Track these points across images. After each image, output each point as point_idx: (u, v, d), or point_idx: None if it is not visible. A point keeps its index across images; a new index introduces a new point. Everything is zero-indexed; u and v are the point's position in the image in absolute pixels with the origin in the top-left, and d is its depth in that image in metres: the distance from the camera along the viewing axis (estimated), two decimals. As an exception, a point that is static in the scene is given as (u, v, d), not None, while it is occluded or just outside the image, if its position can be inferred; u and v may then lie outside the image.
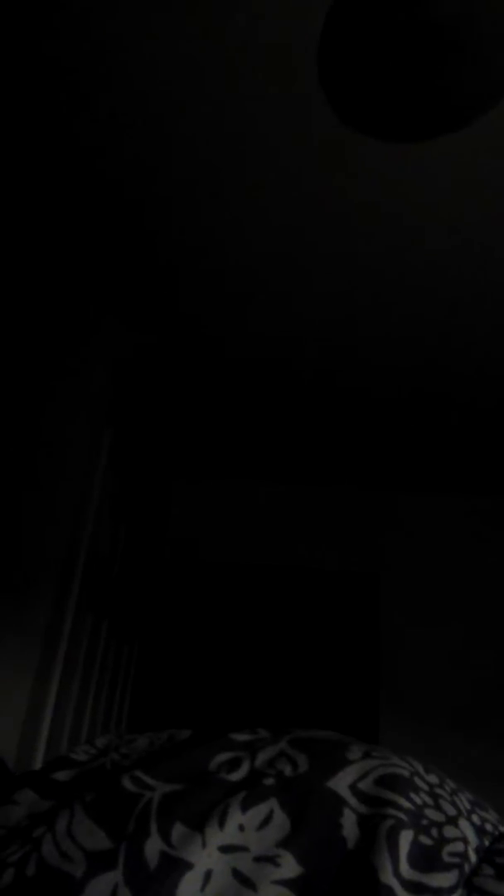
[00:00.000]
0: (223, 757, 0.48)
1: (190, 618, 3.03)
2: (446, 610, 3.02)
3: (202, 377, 2.62)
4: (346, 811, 0.43)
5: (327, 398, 2.67)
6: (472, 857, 0.42)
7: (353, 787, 0.45)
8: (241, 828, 0.42)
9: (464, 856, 0.41)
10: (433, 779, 0.48)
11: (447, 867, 0.40)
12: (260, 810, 0.43)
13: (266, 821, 0.42)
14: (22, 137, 1.74)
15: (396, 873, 0.39)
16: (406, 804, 0.43)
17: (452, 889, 0.39)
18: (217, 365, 2.55)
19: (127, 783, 0.45)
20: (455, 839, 0.42)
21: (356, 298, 2.17)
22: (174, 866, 0.39)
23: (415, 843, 0.41)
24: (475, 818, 0.46)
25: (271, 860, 0.40)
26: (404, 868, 0.39)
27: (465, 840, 0.42)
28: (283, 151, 1.75)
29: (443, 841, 0.42)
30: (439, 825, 0.43)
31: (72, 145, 1.75)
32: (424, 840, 0.41)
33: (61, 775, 0.49)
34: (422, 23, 1.43)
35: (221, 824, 0.42)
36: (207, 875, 0.39)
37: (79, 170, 1.81)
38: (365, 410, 2.71)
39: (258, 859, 0.40)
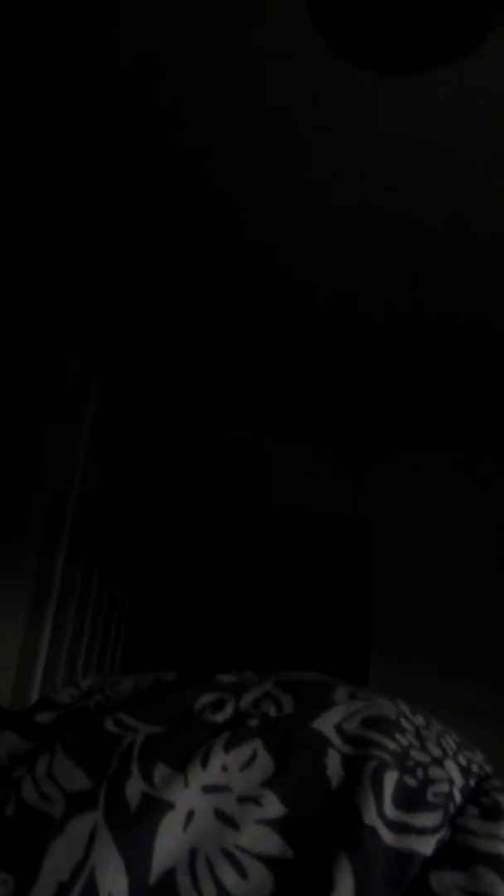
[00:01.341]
0: (208, 698, 0.47)
1: (181, 563, 3.05)
2: (435, 557, 3.05)
3: (191, 325, 2.58)
4: (331, 752, 0.42)
5: (316, 346, 2.63)
6: (458, 798, 0.41)
7: (338, 728, 0.44)
8: (225, 768, 0.41)
9: (448, 796, 0.41)
10: (419, 720, 0.48)
11: (432, 807, 0.40)
12: (243, 751, 0.42)
13: (250, 761, 0.42)
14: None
15: (380, 814, 0.38)
16: (391, 745, 0.43)
17: (437, 828, 0.39)
18: (207, 314, 2.51)
19: (109, 725, 0.44)
20: (440, 780, 0.42)
21: (357, 241, 2.12)
22: (155, 806, 0.38)
23: (399, 784, 0.40)
24: (461, 759, 0.45)
25: (254, 800, 0.39)
26: (388, 808, 0.39)
27: (450, 780, 0.42)
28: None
29: (428, 781, 0.41)
30: (424, 766, 0.43)
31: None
32: (409, 781, 0.41)
33: (43, 717, 0.48)
34: None
35: (204, 765, 0.41)
36: (189, 815, 0.39)
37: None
38: (357, 360, 2.69)
39: (241, 799, 0.40)
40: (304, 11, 1.45)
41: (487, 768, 0.47)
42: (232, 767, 0.41)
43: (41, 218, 2.08)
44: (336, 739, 0.43)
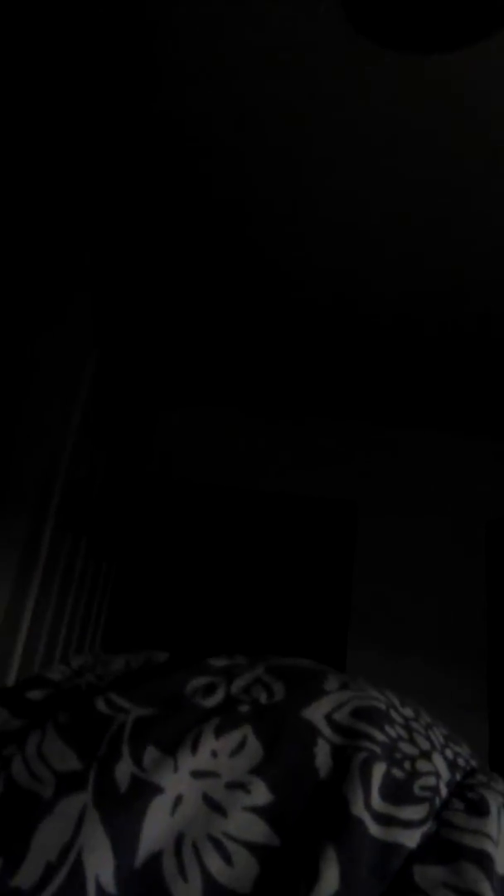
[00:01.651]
0: (199, 682, 0.47)
1: (168, 538, 3.06)
2: (422, 539, 3.07)
3: (187, 303, 2.56)
4: (320, 741, 0.43)
5: (310, 327, 2.62)
6: (444, 791, 0.42)
7: (328, 718, 0.44)
8: (214, 754, 0.41)
9: (435, 789, 0.41)
10: (409, 712, 0.48)
11: (418, 800, 0.40)
12: (233, 737, 0.42)
13: (239, 748, 0.42)
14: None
15: (368, 805, 0.39)
16: (380, 737, 0.43)
17: (422, 822, 0.39)
18: (202, 292, 2.48)
19: (101, 705, 0.44)
20: (427, 773, 0.42)
21: (358, 223, 2.10)
22: (144, 789, 0.38)
23: (387, 776, 0.41)
24: (448, 752, 0.46)
25: (243, 787, 0.40)
26: (376, 800, 0.39)
27: (437, 774, 0.43)
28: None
29: (415, 774, 0.42)
30: (412, 758, 0.43)
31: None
32: (397, 773, 0.41)
33: (35, 694, 0.48)
34: None
35: (194, 750, 0.41)
36: (178, 800, 0.39)
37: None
38: (349, 342, 2.68)
39: (230, 786, 0.40)
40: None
41: (473, 762, 0.47)
42: (221, 753, 0.41)
43: (40, 198, 2.05)
44: (326, 729, 0.44)
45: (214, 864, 0.36)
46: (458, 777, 0.44)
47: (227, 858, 0.37)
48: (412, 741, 0.44)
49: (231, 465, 3.16)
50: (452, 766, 0.45)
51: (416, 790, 0.41)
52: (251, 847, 0.37)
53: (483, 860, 0.37)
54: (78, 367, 2.05)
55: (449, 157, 1.83)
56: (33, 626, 1.83)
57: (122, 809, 0.37)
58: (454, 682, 2.78)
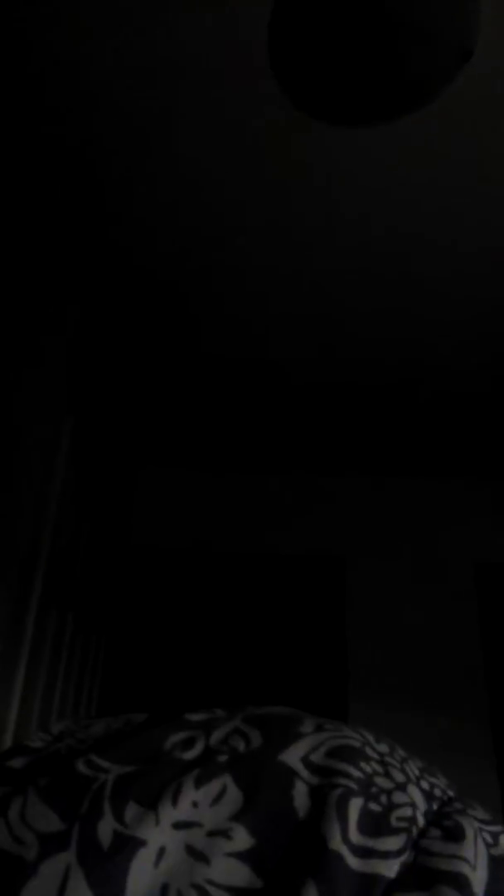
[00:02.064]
0: (178, 737, 0.48)
1: (157, 606, 3.03)
2: (412, 591, 3.07)
3: (165, 368, 2.61)
4: (298, 783, 0.44)
5: (287, 388, 2.68)
6: (420, 821, 0.43)
7: (304, 760, 0.45)
8: (195, 804, 0.42)
9: (412, 820, 0.42)
10: (383, 748, 0.49)
11: (395, 831, 0.41)
12: (213, 786, 0.43)
13: (219, 796, 0.43)
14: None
15: (345, 839, 0.40)
16: (356, 773, 0.44)
17: (400, 851, 0.40)
18: (178, 356, 2.54)
19: (81, 767, 0.45)
20: (403, 804, 0.43)
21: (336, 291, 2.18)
22: (127, 844, 0.39)
23: (364, 810, 0.42)
24: (424, 784, 0.47)
25: (224, 833, 0.40)
26: (353, 834, 0.40)
27: (413, 805, 0.44)
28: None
29: (392, 807, 0.43)
30: (388, 792, 0.44)
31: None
32: (373, 807, 0.42)
33: (16, 763, 0.49)
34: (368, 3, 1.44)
35: (175, 802, 0.42)
36: (161, 851, 0.39)
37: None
38: (327, 397, 2.73)
39: (211, 833, 0.41)
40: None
41: (450, 792, 0.48)
42: (202, 803, 0.42)
43: (14, 259, 2.11)
44: (303, 771, 0.45)
45: None
46: (434, 807, 0.45)
47: None
48: (388, 775, 0.46)
49: (214, 527, 3.17)
50: (429, 796, 0.46)
51: (393, 822, 0.42)
52: (234, 891, 0.38)
53: (459, 882, 0.38)
54: (55, 435, 2.07)
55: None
56: (23, 707, 1.80)
57: (107, 864, 0.38)
58: (457, 728, 2.75)
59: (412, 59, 1.58)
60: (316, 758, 0.45)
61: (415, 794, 0.45)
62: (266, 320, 2.33)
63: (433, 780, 0.48)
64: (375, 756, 0.47)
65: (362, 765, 0.45)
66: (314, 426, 2.93)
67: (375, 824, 0.41)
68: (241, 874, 0.39)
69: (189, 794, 0.42)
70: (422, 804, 0.44)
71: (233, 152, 1.79)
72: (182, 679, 2.86)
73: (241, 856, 0.39)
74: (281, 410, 2.83)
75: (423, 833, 0.42)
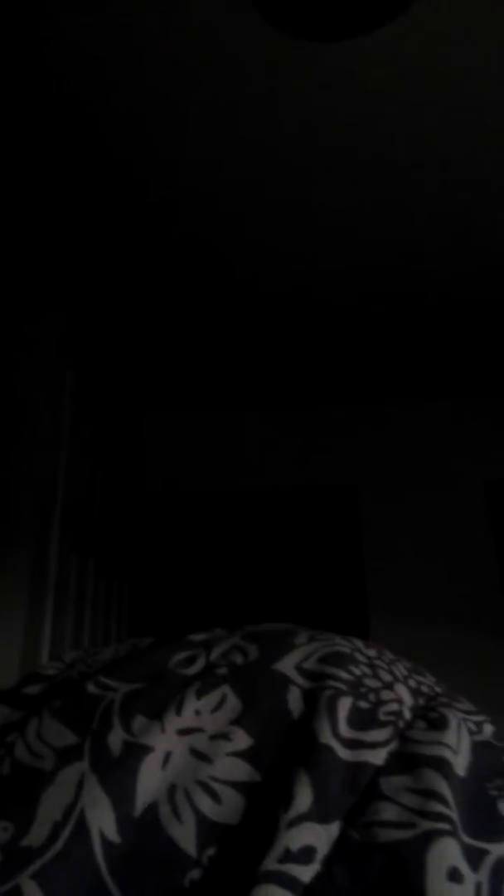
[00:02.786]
0: (180, 655, 0.52)
1: (175, 548, 3.10)
2: (424, 508, 3.11)
3: (161, 302, 2.60)
4: (292, 688, 0.47)
5: (289, 310, 2.65)
6: (407, 715, 0.46)
7: (298, 667, 0.49)
8: (197, 712, 0.46)
9: (398, 714, 0.46)
10: (372, 652, 0.53)
11: (382, 724, 0.45)
12: (214, 696, 0.47)
13: (219, 704, 0.46)
14: None
15: (335, 734, 0.43)
16: (346, 676, 0.48)
17: (387, 742, 0.44)
18: (175, 286, 2.52)
19: (91, 687, 0.48)
20: (390, 700, 0.47)
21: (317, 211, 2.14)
22: (136, 750, 0.43)
23: (353, 708, 0.45)
24: (412, 682, 0.50)
25: (225, 736, 0.44)
26: (343, 729, 0.44)
27: (399, 701, 0.47)
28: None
29: (379, 703, 0.46)
30: (376, 690, 0.47)
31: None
32: (362, 704, 0.46)
33: (32, 689, 0.53)
34: None
35: (179, 711, 0.45)
36: (167, 756, 0.43)
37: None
38: (330, 322, 2.71)
39: (213, 737, 0.44)
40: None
41: (437, 689, 0.51)
42: (204, 711, 0.46)
43: (12, 214, 2.09)
44: (297, 677, 0.48)
45: (205, 803, 0.41)
46: (421, 702, 0.49)
47: (215, 797, 0.41)
48: (376, 676, 0.49)
49: (226, 464, 3.21)
50: (416, 693, 0.49)
51: (381, 716, 0.45)
52: (236, 785, 0.42)
53: (441, 765, 0.42)
54: (58, 386, 2.09)
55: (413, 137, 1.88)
56: (53, 654, 1.87)
57: (118, 770, 0.42)
58: (477, 645, 2.82)
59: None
60: (308, 665, 0.49)
61: (401, 691, 0.48)
62: (263, 235, 2.29)
63: (420, 678, 0.52)
64: (364, 660, 0.51)
65: (351, 668, 0.49)
66: (318, 355, 2.93)
67: (364, 719, 0.45)
68: (241, 770, 0.42)
69: (192, 704, 0.46)
70: (408, 700, 0.48)
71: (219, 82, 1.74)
72: (205, 617, 2.94)
73: (241, 754, 0.43)
74: (284, 342, 2.82)
75: (409, 725, 0.46)
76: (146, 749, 0.43)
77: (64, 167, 1.93)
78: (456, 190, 2.05)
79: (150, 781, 0.42)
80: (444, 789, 0.40)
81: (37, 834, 0.39)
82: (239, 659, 0.50)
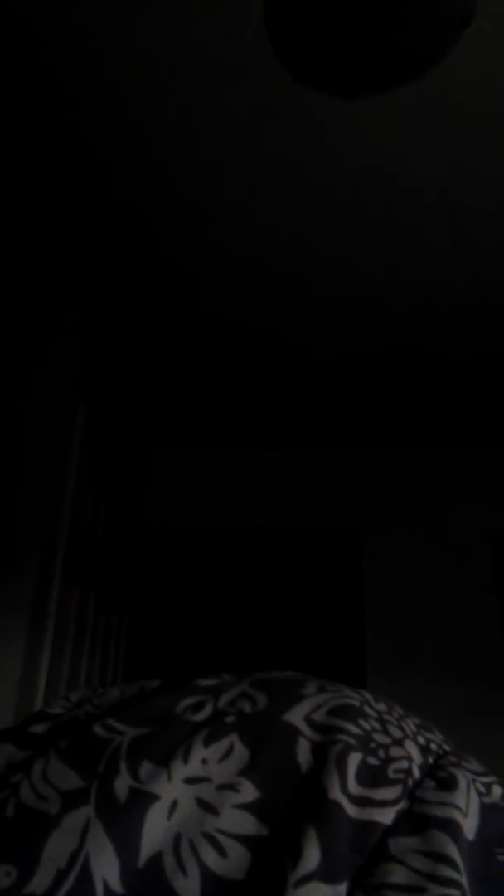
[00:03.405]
0: (188, 701, 0.52)
1: (177, 584, 3.08)
2: (427, 558, 3.09)
3: (172, 346, 2.63)
4: (301, 740, 0.47)
5: (297, 358, 2.68)
6: (416, 773, 0.46)
7: (307, 719, 0.48)
8: (204, 761, 0.45)
9: (408, 772, 0.45)
10: (382, 707, 0.52)
11: (392, 782, 0.44)
12: (221, 745, 0.46)
13: (227, 754, 0.46)
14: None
15: (344, 790, 0.43)
16: (355, 730, 0.47)
17: (396, 801, 0.43)
18: (187, 334, 2.56)
19: (98, 729, 0.48)
20: (400, 758, 0.46)
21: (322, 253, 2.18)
22: (142, 798, 0.42)
23: (362, 764, 0.45)
24: (420, 739, 0.50)
25: (232, 787, 0.44)
26: (352, 785, 0.43)
27: (409, 758, 0.46)
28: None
29: (389, 760, 0.46)
30: (386, 746, 0.47)
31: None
32: (372, 760, 0.45)
33: (38, 728, 0.52)
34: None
35: (186, 759, 0.45)
36: (173, 804, 0.43)
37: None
38: (339, 369, 2.74)
39: (220, 787, 0.44)
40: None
41: (446, 747, 0.51)
42: (211, 760, 0.45)
43: (23, 254, 2.13)
44: (306, 729, 0.48)
45: (210, 857, 0.40)
46: (430, 760, 0.48)
47: (221, 851, 0.41)
48: (385, 731, 0.49)
49: (230, 504, 3.20)
50: (425, 750, 0.49)
51: (390, 773, 0.45)
52: (242, 839, 0.41)
53: (450, 827, 0.41)
54: (69, 422, 2.11)
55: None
56: (50, 685, 1.85)
57: (123, 817, 0.41)
58: (477, 696, 2.78)
59: (411, 27, 1.57)
60: (318, 717, 0.48)
61: (411, 748, 0.48)
62: (273, 289, 2.33)
63: (429, 735, 0.51)
64: (374, 714, 0.50)
65: (361, 722, 0.48)
66: (325, 399, 2.95)
67: (373, 776, 0.44)
68: (248, 823, 0.42)
69: (199, 752, 0.46)
70: (418, 757, 0.47)
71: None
72: (202, 655, 2.91)
73: (248, 807, 0.43)
74: (290, 384, 2.85)
75: (418, 784, 0.45)
76: (152, 797, 0.42)
77: (72, 192, 1.97)
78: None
79: (155, 831, 0.41)
80: (454, 853, 0.39)
81: (40, 881, 0.38)
82: (247, 707, 0.50)
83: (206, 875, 0.39)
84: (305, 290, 2.31)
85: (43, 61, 1.62)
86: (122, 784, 0.43)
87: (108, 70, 1.64)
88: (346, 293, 2.31)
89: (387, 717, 0.51)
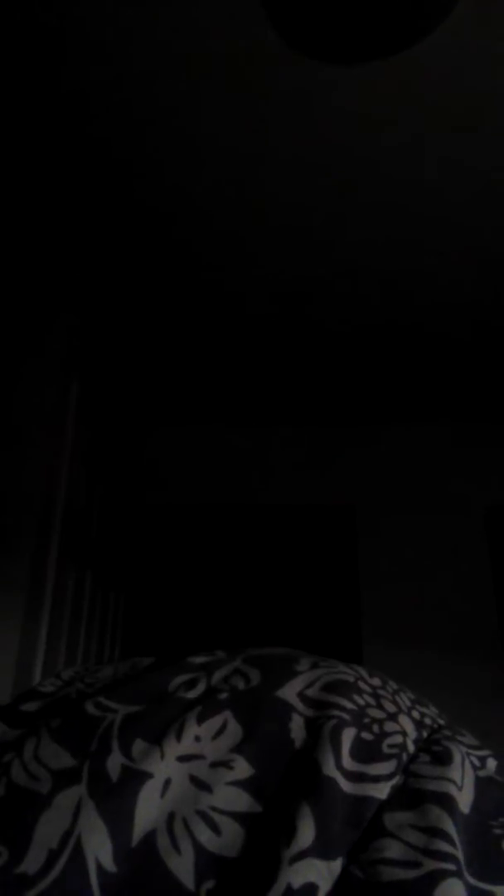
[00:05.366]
0: (181, 678, 0.51)
1: (173, 562, 3.08)
2: (421, 532, 3.09)
3: (167, 322, 2.60)
4: (294, 716, 0.46)
5: (293, 333, 2.66)
6: (411, 748, 0.45)
7: (300, 695, 0.48)
8: (198, 738, 0.45)
9: (402, 746, 0.45)
10: (376, 682, 0.52)
11: (386, 757, 0.44)
12: (214, 721, 0.46)
13: (220, 730, 0.45)
14: None
15: (338, 766, 0.42)
16: (349, 705, 0.47)
17: (391, 776, 0.43)
18: (182, 308, 2.53)
19: (90, 708, 0.48)
20: (394, 732, 0.46)
21: (317, 228, 2.15)
22: (135, 777, 0.42)
23: (356, 739, 0.44)
24: (415, 713, 0.49)
25: (225, 764, 0.43)
26: (346, 761, 0.43)
27: (403, 733, 0.46)
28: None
29: (383, 735, 0.45)
30: (380, 721, 0.47)
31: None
32: (366, 735, 0.45)
33: (29, 706, 0.52)
34: None
35: (179, 737, 0.45)
36: (167, 783, 0.42)
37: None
38: (332, 344, 2.72)
39: (213, 765, 0.43)
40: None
41: (440, 721, 0.51)
42: (204, 737, 0.45)
43: (16, 233, 2.10)
44: (299, 705, 0.47)
45: (204, 835, 0.40)
46: (424, 734, 0.48)
47: (215, 829, 0.40)
48: (380, 706, 0.48)
49: (226, 480, 3.20)
50: (419, 725, 0.48)
51: (385, 748, 0.45)
52: (236, 816, 0.41)
53: (445, 801, 0.41)
54: (63, 396, 2.09)
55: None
56: (47, 665, 1.86)
57: (115, 796, 0.41)
58: (473, 671, 2.80)
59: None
60: (311, 692, 0.48)
61: (406, 723, 0.47)
62: (275, 261, 2.31)
63: (424, 709, 0.51)
64: (368, 689, 0.50)
65: (355, 697, 0.48)
66: (322, 375, 2.93)
67: (367, 751, 0.44)
68: (241, 800, 0.42)
69: (192, 730, 0.45)
70: (412, 732, 0.47)
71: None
72: (200, 631, 2.92)
73: (242, 784, 0.42)
74: (288, 361, 2.83)
75: (413, 758, 0.45)
76: (145, 775, 0.42)
77: (68, 173, 1.94)
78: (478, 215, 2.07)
79: (148, 809, 0.41)
80: (450, 827, 0.39)
81: (32, 861, 0.38)
82: (241, 684, 0.49)
83: (201, 853, 0.39)
84: (308, 263, 2.28)
85: (23, 54, 1.58)
86: (114, 762, 0.43)
87: (99, 69, 1.61)
88: (348, 268, 2.28)
89: (381, 691, 0.50)
